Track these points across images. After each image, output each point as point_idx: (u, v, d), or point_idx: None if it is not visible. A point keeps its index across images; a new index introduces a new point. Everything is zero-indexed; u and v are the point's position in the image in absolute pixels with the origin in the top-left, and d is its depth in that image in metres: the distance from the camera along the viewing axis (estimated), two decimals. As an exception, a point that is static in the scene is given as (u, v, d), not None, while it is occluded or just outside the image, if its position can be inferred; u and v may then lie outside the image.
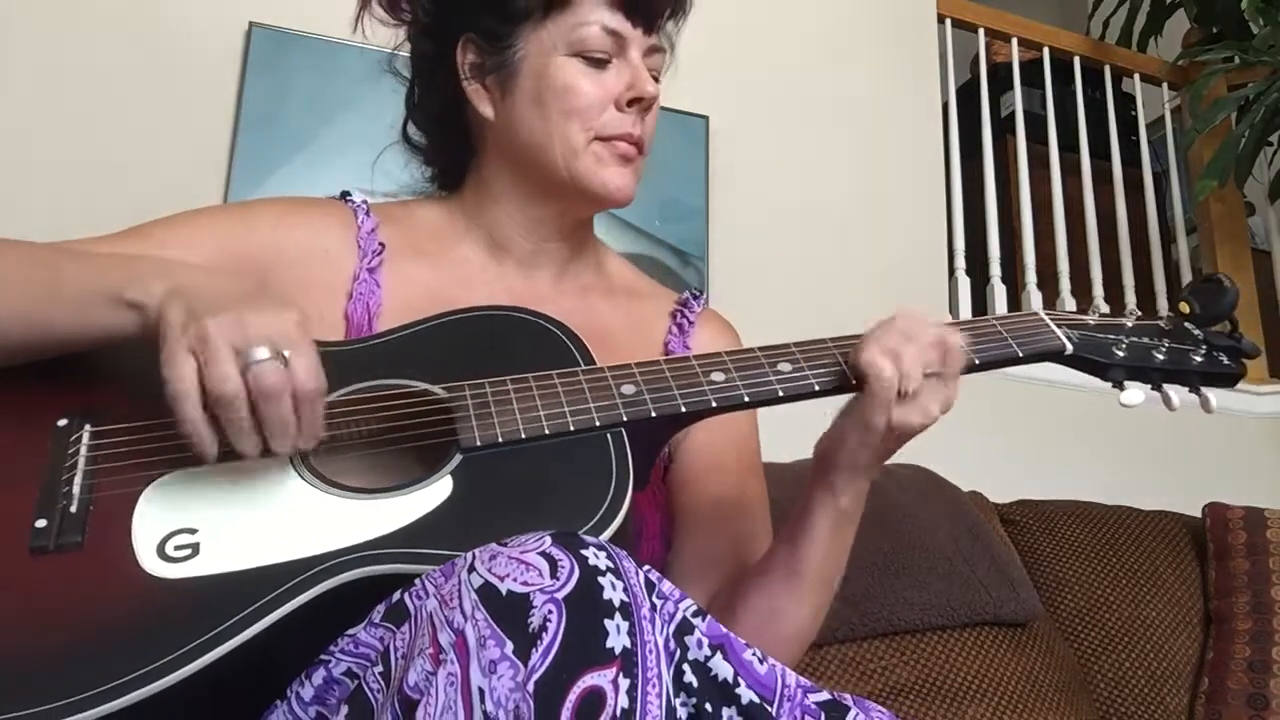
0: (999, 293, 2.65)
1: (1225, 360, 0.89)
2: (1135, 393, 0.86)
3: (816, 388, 0.81)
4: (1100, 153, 2.96)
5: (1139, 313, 0.90)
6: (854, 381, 0.81)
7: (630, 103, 0.93)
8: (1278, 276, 2.97)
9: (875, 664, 1.45)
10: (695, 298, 1.06)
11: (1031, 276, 2.70)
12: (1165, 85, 3.19)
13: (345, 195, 1.00)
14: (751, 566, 0.92)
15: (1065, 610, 1.70)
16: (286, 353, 0.67)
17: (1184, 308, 0.90)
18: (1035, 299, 2.67)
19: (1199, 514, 1.84)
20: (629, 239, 2.18)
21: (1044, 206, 2.83)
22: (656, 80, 0.95)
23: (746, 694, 0.58)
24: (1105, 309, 3.04)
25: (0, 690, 0.60)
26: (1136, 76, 3.14)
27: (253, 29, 2.01)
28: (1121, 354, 0.87)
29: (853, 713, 0.62)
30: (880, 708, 0.64)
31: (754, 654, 0.61)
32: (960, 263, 2.62)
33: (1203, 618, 1.73)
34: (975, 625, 1.54)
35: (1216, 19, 3.05)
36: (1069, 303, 2.70)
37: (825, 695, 0.62)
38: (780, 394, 0.81)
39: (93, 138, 1.87)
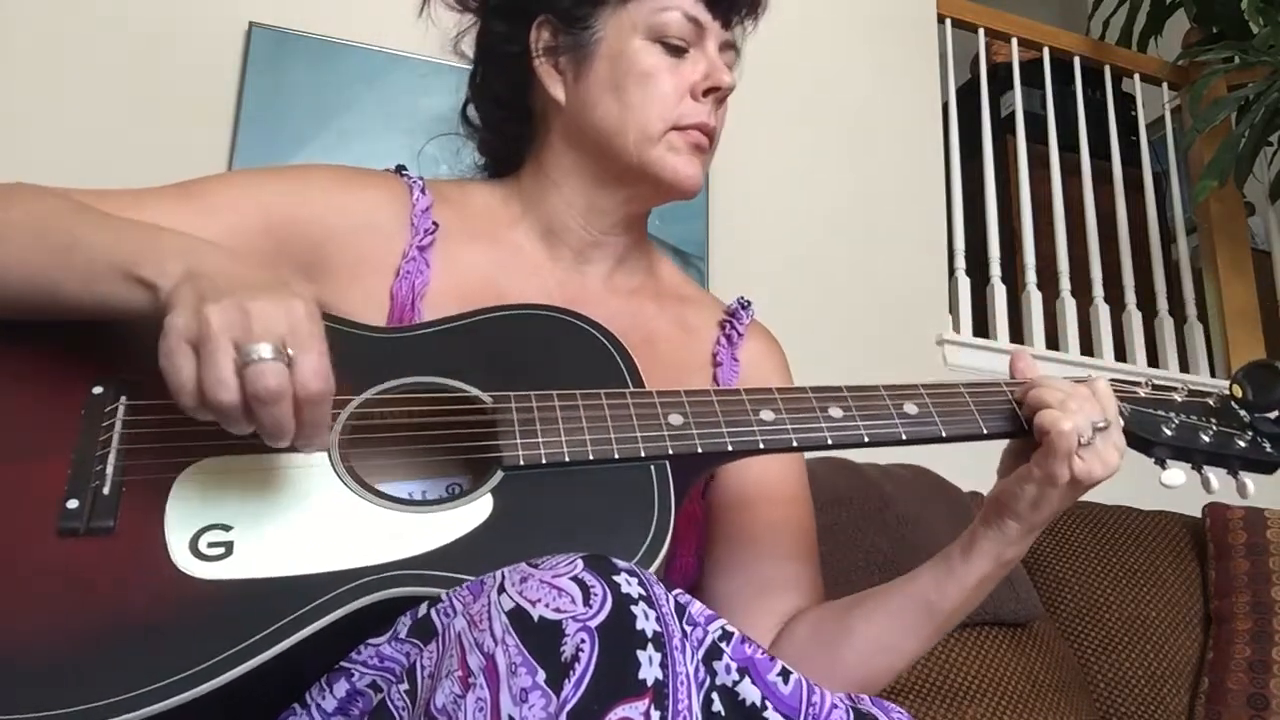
0: (999, 293, 2.65)
1: (1269, 448, 0.87)
2: (1177, 473, 0.84)
3: (866, 439, 0.80)
4: (1100, 153, 2.96)
5: (1186, 387, 0.89)
6: (1024, 427, 0.81)
7: (707, 92, 0.92)
8: (1278, 276, 2.97)
9: (875, 664, 1.45)
10: (744, 308, 1.05)
11: (1031, 276, 2.70)
12: (1165, 85, 3.19)
13: (401, 169, 0.98)
14: (862, 595, 0.89)
15: (1065, 610, 1.70)
16: (291, 351, 0.62)
17: (1236, 390, 0.88)
18: (1035, 299, 2.67)
19: (1199, 514, 1.84)
20: (629, 239, 2.18)
21: (1044, 206, 2.82)
22: None
23: (773, 717, 0.58)
24: (1105, 309, 3.00)
25: (11, 682, 0.58)
26: (1136, 76, 3.14)
27: (253, 29, 2.01)
28: (1170, 433, 0.85)
29: (872, 715, 0.62)
30: (898, 708, 0.64)
31: (779, 673, 0.60)
32: (960, 263, 2.62)
33: (1203, 618, 1.72)
34: (975, 625, 1.54)
35: (1216, 19, 3.04)
36: (1069, 303, 2.71)
37: (845, 696, 0.62)
38: (829, 441, 0.79)
39: (92, 138, 1.87)
